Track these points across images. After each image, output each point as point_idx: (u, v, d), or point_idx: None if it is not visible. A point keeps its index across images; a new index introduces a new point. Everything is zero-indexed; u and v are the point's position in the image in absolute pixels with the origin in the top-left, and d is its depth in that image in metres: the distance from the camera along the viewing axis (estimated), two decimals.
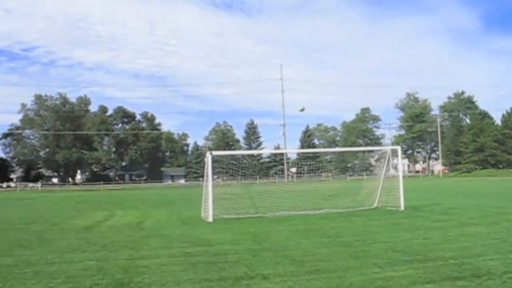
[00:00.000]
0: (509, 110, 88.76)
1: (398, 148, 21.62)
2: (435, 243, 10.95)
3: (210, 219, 17.73)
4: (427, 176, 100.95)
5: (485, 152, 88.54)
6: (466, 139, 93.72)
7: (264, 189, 30.76)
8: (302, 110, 21.59)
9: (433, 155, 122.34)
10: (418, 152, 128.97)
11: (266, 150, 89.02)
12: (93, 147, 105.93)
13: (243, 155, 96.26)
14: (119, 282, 7.75)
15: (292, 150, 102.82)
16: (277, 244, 11.46)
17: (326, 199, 26.76)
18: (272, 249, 10.78)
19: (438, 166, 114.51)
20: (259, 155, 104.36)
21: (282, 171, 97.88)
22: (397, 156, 22.30)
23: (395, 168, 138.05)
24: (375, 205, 21.64)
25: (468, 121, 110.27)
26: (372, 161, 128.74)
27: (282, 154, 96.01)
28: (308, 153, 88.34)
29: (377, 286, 7.18)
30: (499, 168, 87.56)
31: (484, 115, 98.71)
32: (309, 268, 8.53)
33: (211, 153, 18.79)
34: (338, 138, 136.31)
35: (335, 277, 7.80)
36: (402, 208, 19.88)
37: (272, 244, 11.59)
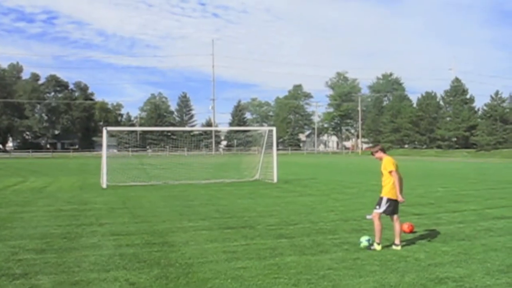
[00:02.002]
0: (424, 94, 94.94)
1: (274, 129, 24.96)
2: (252, 207, 14.44)
3: (104, 185, 20.83)
4: (350, 153, 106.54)
5: (401, 133, 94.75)
6: (385, 119, 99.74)
7: (176, 161, 33.67)
8: None
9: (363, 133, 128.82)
10: (347, 130, 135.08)
11: (170, 128, 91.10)
12: (24, 114, 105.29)
13: (174, 129, 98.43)
14: None
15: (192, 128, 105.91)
16: (136, 205, 14.73)
17: (225, 171, 30.31)
18: (128, 208, 14.08)
19: (364, 144, 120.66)
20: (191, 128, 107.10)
21: (212, 144, 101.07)
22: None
23: (325, 144, 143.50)
24: (256, 177, 25.09)
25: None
26: (302, 137, 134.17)
27: (212, 127, 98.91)
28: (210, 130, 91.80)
29: (174, 230, 10.48)
30: (414, 147, 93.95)
31: (403, 98, 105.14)
32: (138, 219, 11.88)
33: (106, 129, 21.74)
34: (271, 113, 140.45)
35: (153, 223, 11.10)
36: (275, 181, 23.36)
37: (132, 204, 14.88)
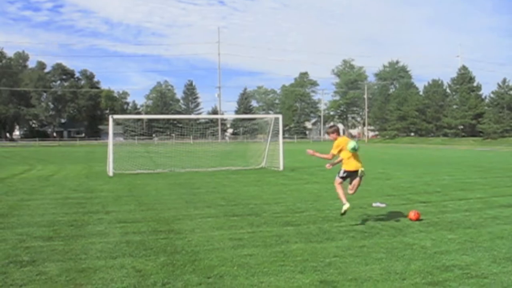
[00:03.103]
0: (430, 81, 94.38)
1: (280, 117, 24.94)
2: (258, 194, 14.44)
3: (111, 174, 20.90)
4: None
5: (408, 120, 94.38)
6: (391, 107, 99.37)
7: (182, 149, 33.62)
8: None
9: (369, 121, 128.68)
10: (353, 118, 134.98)
11: (176, 116, 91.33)
12: (30, 103, 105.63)
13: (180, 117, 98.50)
14: (0, 214, 10.86)
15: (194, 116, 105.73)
16: (142, 193, 14.77)
17: (231, 158, 30.33)
18: (134, 195, 14.12)
19: (370, 132, 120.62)
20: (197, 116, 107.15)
21: (218, 132, 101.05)
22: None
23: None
24: (262, 165, 25.11)
25: None
26: (308, 124, 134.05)
27: (218, 115, 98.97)
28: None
29: (180, 218, 10.49)
30: (420, 135, 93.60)
31: (410, 85, 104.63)
32: (144, 206, 11.91)
33: (112, 117, 21.78)
34: (277, 101, 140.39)
35: (159, 211, 11.13)
36: (281, 168, 23.37)
37: (138, 192, 14.93)
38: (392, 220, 9.88)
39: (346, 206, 9.58)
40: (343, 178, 9.81)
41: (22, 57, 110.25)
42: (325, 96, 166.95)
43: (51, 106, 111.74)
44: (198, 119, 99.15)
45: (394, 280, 5.99)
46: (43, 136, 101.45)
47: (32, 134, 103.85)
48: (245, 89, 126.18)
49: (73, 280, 5.98)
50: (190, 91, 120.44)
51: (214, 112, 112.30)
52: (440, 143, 78.41)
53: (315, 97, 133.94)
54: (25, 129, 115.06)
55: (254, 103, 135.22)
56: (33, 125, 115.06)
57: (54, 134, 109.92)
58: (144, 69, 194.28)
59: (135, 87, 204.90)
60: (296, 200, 13.09)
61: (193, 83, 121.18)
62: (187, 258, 6.99)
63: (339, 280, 6.00)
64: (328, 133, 10.17)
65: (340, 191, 9.81)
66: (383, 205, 11.78)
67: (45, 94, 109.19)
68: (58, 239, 8.21)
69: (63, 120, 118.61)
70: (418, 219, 9.80)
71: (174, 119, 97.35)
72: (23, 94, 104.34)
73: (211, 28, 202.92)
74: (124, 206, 12.08)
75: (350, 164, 9.70)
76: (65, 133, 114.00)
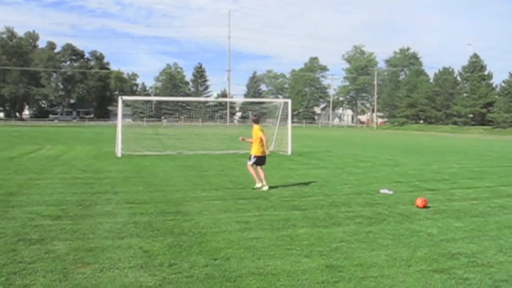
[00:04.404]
0: (441, 69, 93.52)
1: (289, 101, 24.88)
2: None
3: (119, 154, 20.99)
4: (364, 127, 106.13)
5: (417, 108, 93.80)
6: (401, 94, 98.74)
7: (190, 132, 33.65)
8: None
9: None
10: (362, 104, 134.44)
11: (185, 98, 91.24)
12: (40, 83, 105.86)
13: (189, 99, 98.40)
14: (9, 192, 10.95)
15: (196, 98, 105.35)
16: (150, 174, 14.84)
17: (239, 142, 30.30)
18: (142, 177, 14.19)
19: (379, 119, 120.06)
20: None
21: (226, 115, 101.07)
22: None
23: (340, 117, 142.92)
24: (270, 149, 25.06)
25: None
26: (317, 110, 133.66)
27: (227, 98, 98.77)
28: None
29: (188, 200, 10.55)
30: (430, 123, 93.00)
31: (420, 73, 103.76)
32: (152, 188, 11.98)
33: (121, 98, 21.81)
34: (286, 86, 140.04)
35: (167, 193, 11.19)
36: (289, 153, 23.37)
37: (146, 173, 15.00)
38: (399, 207, 9.89)
39: (258, 185, 12.00)
40: (254, 163, 12.02)
41: (32, 37, 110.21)
42: (334, 81, 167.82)
43: (61, 86, 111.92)
44: (207, 102, 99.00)
45: (400, 267, 6.02)
46: (53, 115, 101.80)
47: (41, 113, 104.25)
48: (255, 72, 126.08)
49: (81, 259, 6.05)
50: (200, 74, 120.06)
51: (223, 95, 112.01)
52: (449, 131, 77.99)
53: (325, 82, 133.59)
54: (34, 109, 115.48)
55: (263, 87, 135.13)
56: (43, 105, 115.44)
57: (63, 114, 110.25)
58: (154, 51, 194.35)
59: (145, 68, 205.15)
60: (303, 184, 13.10)
61: (203, 66, 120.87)
62: (194, 240, 7.04)
63: (345, 265, 6.03)
64: (250, 119, 13.03)
65: (253, 172, 12.09)
66: (391, 192, 11.78)
67: (54, 74, 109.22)
68: (66, 219, 8.29)
69: (72, 101, 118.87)
70: (425, 207, 9.80)
71: (183, 102, 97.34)
72: (33, 74, 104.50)
73: (222, 12, 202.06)
74: (132, 187, 12.16)
75: (259, 150, 11.99)
76: (74, 114, 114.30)
